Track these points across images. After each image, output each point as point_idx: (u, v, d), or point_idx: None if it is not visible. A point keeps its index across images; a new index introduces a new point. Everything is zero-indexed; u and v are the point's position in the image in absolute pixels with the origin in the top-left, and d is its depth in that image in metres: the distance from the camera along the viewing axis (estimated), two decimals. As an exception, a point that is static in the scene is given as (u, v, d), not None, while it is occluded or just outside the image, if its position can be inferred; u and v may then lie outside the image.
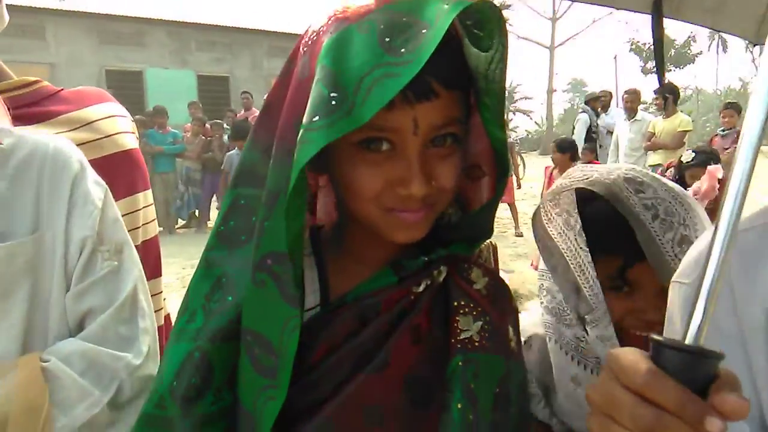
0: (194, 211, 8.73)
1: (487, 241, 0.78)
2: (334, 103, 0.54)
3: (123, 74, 13.26)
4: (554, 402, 0.91)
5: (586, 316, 0.82)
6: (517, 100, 36.55)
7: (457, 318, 0.69)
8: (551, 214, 0.89)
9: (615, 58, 35.66)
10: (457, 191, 0.69)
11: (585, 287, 0.82)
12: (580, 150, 6.17)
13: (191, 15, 14.30)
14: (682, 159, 3.40)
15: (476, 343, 0.68)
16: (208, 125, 8.77)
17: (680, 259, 0.72)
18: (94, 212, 0.86)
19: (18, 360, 0.78)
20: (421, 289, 0.69)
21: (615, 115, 7.13)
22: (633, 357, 0.42)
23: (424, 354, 0.68)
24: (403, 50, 0.54)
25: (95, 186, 0.88)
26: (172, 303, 0.85)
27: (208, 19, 14.52)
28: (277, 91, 0.66)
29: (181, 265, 6.28)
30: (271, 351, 0.62)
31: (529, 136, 31.31)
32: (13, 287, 0.79)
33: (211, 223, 8.79)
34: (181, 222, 8.88)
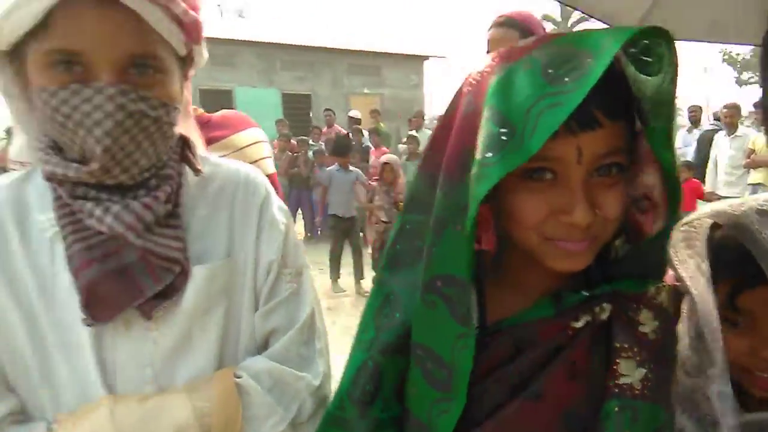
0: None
1: (667, 286, 0.75)
2: (504, 138, 0.58)
3: (215, 93, 14.05)
4: None
5: (708, 371, 0.75)
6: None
7: (618, 361, 0.68)
8: (682, 255, 0.82)
9: (705, 70, 33.82)
10: (624, 223, 0.69)
11: (707, 334, 0.75)
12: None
13: (277, 36, 14.95)
14: None
15: (636, 391, 0.66)
16: (293, 141, 9.10)
17: None
18: (280, 237, 0.92)
19: (215, 374, 0.85)
20: (579, 324, 0.68)
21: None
22: None
23: (580, 391, 0.68)
24: (567, 79, 0.56)
25: (279, 212, 0.95)
26: None
27: (292, 39, 15.11)
28: (442, 127, 0.70)
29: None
30: (442, 365, 0.67)
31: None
32: (212, 306, 0.86)
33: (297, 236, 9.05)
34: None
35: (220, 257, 0.88)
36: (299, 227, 9.21)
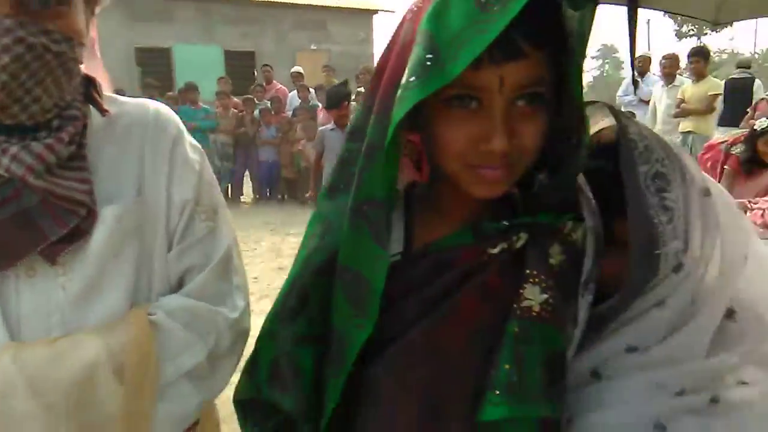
0: (228, 186, 8.87)
1: (585, 224, 0.78)
2: (429, 63, 0.59)
3: (152, 51, 13.39)
4: None
5: (589, 284, 0.79)
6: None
7: (525, 286, 0.71)
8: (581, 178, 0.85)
9: (648, 22, 34.51)
10: (540, 154, 0.70)
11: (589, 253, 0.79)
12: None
13: (217, -10, 14.27)
14: (755, 128, 3.24)
15: (534, 313, 0.70)
16: (236, 99, 8.83)
17: (652, 192, 0.77)
18: (193, 176, 0.91)
19: (128, 314, 0.84)
20: (496, 251, 0.72)
21: (650, 82, 6.94)
22: None
23: (490, 312, 0.72)
24: (495, 7, 0.57)
25: (193, 150, 0.93)
26: None
27: (233, -7, 14.47)
28: (383, 56, 0.71)
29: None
30: (362, 285, 0.70)
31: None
32: (123, 247, 0.84)
33: (245, 198, 8.96)
34: (215, 196, 9.00)
35: (130, 197, 0.85)
36: (247, 188, 9.07)
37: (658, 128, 6.37)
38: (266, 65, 9.94)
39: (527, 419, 0.72)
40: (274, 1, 15.02)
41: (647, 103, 6.77)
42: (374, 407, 0.75)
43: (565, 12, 0.64)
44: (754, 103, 5.99)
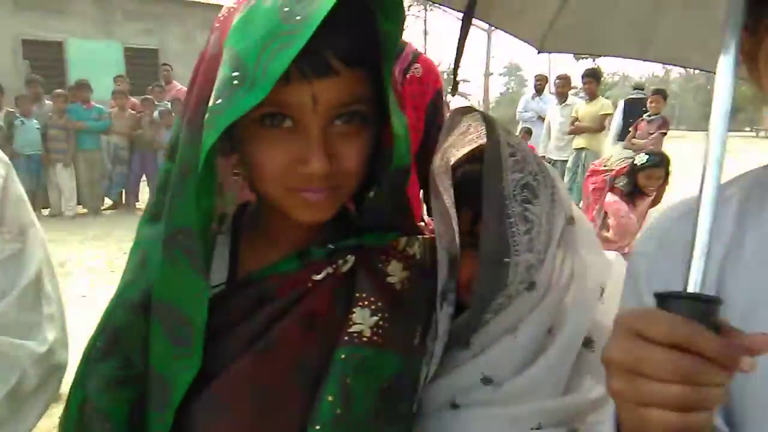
0: (122, 191, 8.35)
1: (423, 238, 0.78)
2: (236, 82, 0.55)
3: (41, 45, 12.39)
4: None
5: (447, 294, 0.78)
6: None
7: (354, 310, 0.68)
8: (440, 171, 0.84)
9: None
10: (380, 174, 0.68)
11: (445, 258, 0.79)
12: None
13: (117, -17, 13.49)
14: (635, 162, 3.54)
15: (365, 338, 0.67)
16: (135, 100, 8.35)
17: (517, 201, 0.77)
18: None
19: None
20: (320, 277, 0.69)
21: (547, 101, 7.34)
22: (658, 314, 0.43)
23: (316, 342, 0.68)
24: (298, 18, 0.53)
25: None
26: (99, 289, 0.82)
27: (135, -13, 13.73)
28: (195, 69, 0.66)
29: (107, 249, 5.99)
30: (184, 322, 0.65)
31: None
32: None
33: (141, 205, 8.46)
34: (108, 202, 8.47)
35: None
36: (145, 195, 8.58)
37: (552, 144, 6.74)
38: (165, 64, 9.51)
39: None
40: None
41: (542, 119, 7.16)
42: None
43: (381, 28, 0.62)
44: (635, 123, 6.50)
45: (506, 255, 0.78)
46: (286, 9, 0.55)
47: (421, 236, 0.78)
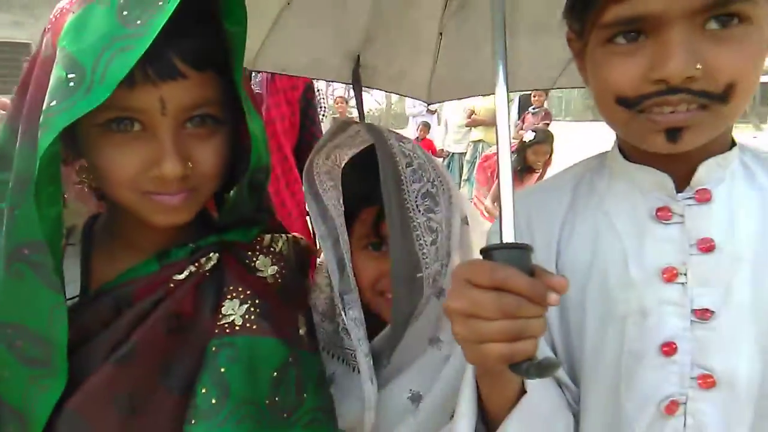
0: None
1: (287, 235, 0.79)
2: (72, 84, 0.54)
3: None
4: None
5: (344, 297, 0.80)
6: (356, 78, 37.07)
7: (223, 303, 0.69)
8: (321, 171, 0.84)
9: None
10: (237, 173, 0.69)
11: (346, 261, 0.80)
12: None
13: (-23, -31, 12.19)
14: (523, 140, 3.86)
15: (237, 327, 0.68)
16: (5, 99, 7.59)
17: (420, 212, 0.79)
18: None
19: None
20: (182, 276, 0.68)
21: None
22: (481, 264, 0.50)
23: (184, 342, 0.67)
24: (138, 22, 0.54)
25: None
26: None
27: (0, -26, 12.49)
28: (27, 71, 0.63)
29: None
30: (37, 341, 0.61)
31: (370, 112, 31.97)
32: None
33: None
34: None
35: None
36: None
37: (450, 137, 7.00)
38: (27, 57, 8.70)
39: None
40: (53, -12, 13.30)
41: (434, 112, 7.38)
42: None
43: (225, 29, 0.63)
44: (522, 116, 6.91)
45: (418, 270, 0.78)
46: (124, 12, 0.55)
47: (285, 234, 0.79)
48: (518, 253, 0.51)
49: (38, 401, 0.62)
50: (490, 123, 6.65)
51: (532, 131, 3.99)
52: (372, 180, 0.79)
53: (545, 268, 0.51)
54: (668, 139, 0.58)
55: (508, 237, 0.53)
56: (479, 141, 6.66)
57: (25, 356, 0.62)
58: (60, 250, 0.62)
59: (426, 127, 7.54)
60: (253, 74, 1.95)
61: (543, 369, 0.47)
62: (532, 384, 0.59)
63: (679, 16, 0.54)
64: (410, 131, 8.38)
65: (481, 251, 0.52)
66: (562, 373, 0.68)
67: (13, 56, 12.62)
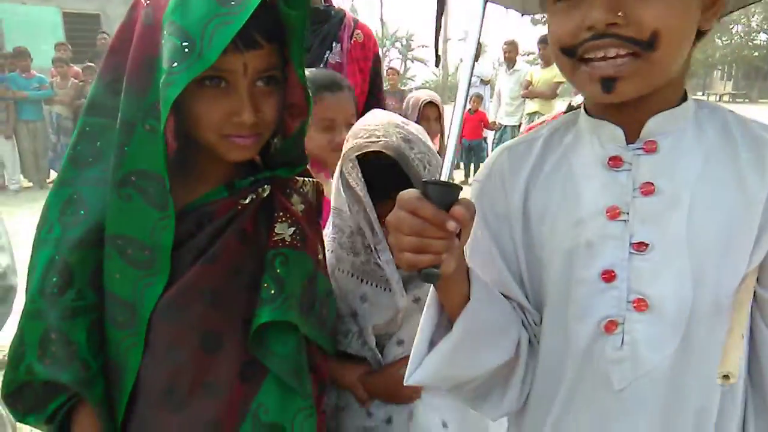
0: (69, 163, 8.08)
1: (312, 180, 0.97)
2: (186, 50, 0.71)
3: (-29, 9, 11.65)
4: (367, 334, 1.06)
5: (376, 246, 1.03)
6: (413, 48, 36.65)
7: (275, 225, 0.88)
8: (349, 167, 1.04)
9: (507, 9, 36.48)
10: (279, 124, 0.87)
11: (375, 224, 1.03)
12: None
13: (51, -58, 12.71)
14: (571, 103, 3.73)
15: (286, 242, 0.87)
16: (77, 68, 8.03)
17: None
18: None
19: None
20: (246, 201, 0.87)
21: (485, 66, 7.60)
22: (410, 193, 0.62)
23: (249, 252, 0.86)
24: (233, 3, 0.71)
25: None
26: None
27: (72, -52, 12.98)
28: (122, 35, 0.81)
29: (56, 221, 5.87)
30: (144, 248, 0.80)
31: (426, 84, 31.68)
32: None
33: None
34: (54, 175, 8.21)
35: None
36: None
37: (502, 110, 6.85)
38: (103, 32, 9.10)
39: (292, 338, 0.86)
40: (121, -39, 13.73)
41: (488, 83, 7.25)
42: (151, 351, 0.82)
43: (284, 12, 0.79)
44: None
45: None
46: None
47: (311, 179, 0.97)
48: (441, 189, 0.62)
49: (146, 293, 0.81)
50: (548, 96, 6.51)
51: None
52: (396, 178, 0.99)
53: (465, 204, 0.62)
54: (603, 89, 0.66)
55: (444, 175, 0.64)
56: (535, 113, 6.47)
57: (134, 260, 0.80)
58: (164, 177, 0.78)
59: (479, 98, 7.46)
60: (334, 44, 2.12)
61: (425, 275, 0.61)
62: (477, 293, 0.71)
63: None
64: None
65: (421, 182, 0.63)
66: (522, 298, 0.80)
67: (84, 27, 13.24)
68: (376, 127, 1.03)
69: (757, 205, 0.69)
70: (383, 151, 0.99)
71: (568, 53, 0.68)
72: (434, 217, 0.60)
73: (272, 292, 0.84)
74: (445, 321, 0.75)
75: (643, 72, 0.65)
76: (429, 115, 3.34)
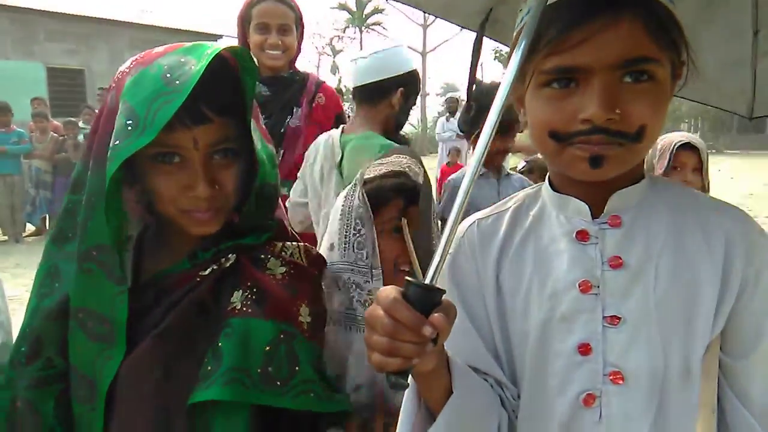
0: (45, 217, 7.99)
1: (300, 244, 0.95)
2: (129, 128, 0.74)
3: (-45, 64, 11.74)
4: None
5: (374, 270, 1.02)
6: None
7: (234, 293, 0.85)
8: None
9: (481, 65, 37.86)
10: (245, 194, 0.86)
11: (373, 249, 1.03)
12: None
13: (40, 1, 12.98)
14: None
15: (237, 310, 0.83)
16: (57, 122, 8.05)
17: (435, 223, 1.08)
18: None
19: None
20: (206, 272, 0.85)
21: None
22: (389, 291, 0.61)
23: (206, 324, 0.84)
24: (177, 82, 0.74)
25: None
26: (21, 319, 0.91)
27: (59, 6, 13.27)
28: (96, 119, 0.85)
29: (30, 277, 5.72)
30: (103, 321, 0.81)
31: (404, 135, 32.21)
32: None
33: None
34: (30, 228, 8.08)
35: None
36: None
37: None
38: (102, 88, 9.19)
39: (239, 418, 0.80)
40: (107, 19, 14.04)
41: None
42: (112, 425, 0.82)
43: (243, 84, 0.83)
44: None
45: (431, 245, 1.05)
46: (168, 75, 0.75)
47: (297, 243, 0.94)
48: (422, 293, 0.60)
49: (104, 368, 0.80)
50: (529, 150, 6.67)
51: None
52: (396, 186, 1.07)
53: (445, 308, 0.60)
54: (591, 166, 0.68)
55: (428, 278, 0.61)
56: (512, 169, 6.68)
57: (94, 333, 0.81)
58: (122, 252, 0.80)
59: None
60: (295, 109, 2.17)
61: (392, 383, 0.59)
62: (459, 386, 0.70)
63: (602, 68, 0.66)
64: (440, 156, 8.46)
65: (405, 281, 0.62)
66: (500, 373, 0.79)
67: (68, 83, 13.38)
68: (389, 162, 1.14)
69: (714, 276, 0.72)
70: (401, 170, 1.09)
71: (557, 138, 0.70)
72: (409, 321, 0.58)
73: (209, 368, 0.79)
74: (424, 410, 0.73)
75: (626, 157, 0.69)
76: (686, 162, 2.11)
